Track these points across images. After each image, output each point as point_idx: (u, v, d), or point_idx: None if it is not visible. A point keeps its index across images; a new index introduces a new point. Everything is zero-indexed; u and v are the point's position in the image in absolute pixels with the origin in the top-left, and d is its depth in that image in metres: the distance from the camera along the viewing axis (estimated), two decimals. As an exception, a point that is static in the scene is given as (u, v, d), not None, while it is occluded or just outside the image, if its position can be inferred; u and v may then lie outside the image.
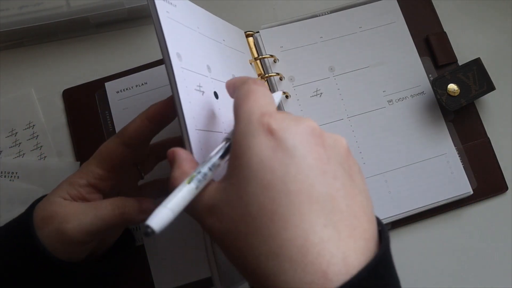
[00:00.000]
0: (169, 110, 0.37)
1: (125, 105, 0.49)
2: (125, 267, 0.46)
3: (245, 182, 0.26)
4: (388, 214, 0.46)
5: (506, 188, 0.49)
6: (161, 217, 0.25)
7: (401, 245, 0.47)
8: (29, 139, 0.50)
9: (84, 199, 0.38)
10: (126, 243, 0.45)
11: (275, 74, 0.49)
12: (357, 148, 0.48)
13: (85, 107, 0.50)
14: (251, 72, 0.48)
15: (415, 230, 0.47)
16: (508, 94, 0.51)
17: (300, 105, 0.49)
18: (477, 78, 0.48)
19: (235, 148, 0.27)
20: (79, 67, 0.52)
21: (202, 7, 0.40)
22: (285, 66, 0.49)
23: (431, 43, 0.51)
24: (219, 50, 0.40)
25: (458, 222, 0.48)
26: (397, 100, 0.49)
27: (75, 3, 0.48)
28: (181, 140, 0.32)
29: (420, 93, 0.49)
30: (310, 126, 0.27)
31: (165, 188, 0.43)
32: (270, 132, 0.26)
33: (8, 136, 0.50)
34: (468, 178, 0.47)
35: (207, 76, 0.36)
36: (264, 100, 0.29)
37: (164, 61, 0.32)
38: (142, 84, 0.50)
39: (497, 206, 0.48)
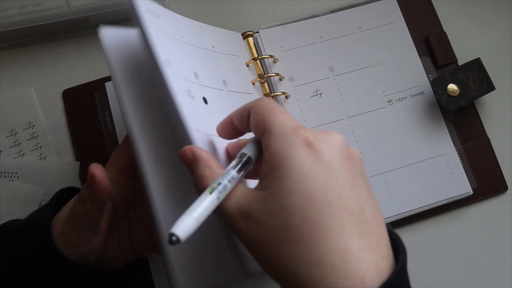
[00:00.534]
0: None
1: None
2: (130, 278, 0.45)
3: (287, 193, 0.27)
4: (388, 214, 0.46)
5: (506, 188, 0.49)
6: (186, 225, 0.26)
7: (401, 245, 0.47)
8: (29, 139, 0.50)
9: None
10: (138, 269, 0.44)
11: (275, 74, 0.49)
12: (357, 148, 0.47)
13: (85, 107, 0.50)
14: (247, 75, 0.48)
15: (415, 230, 0.47)
16: (508, 94, 0.51)
17: (300, 105, 0.49)
18: (477, 78, 0.48)
19: (273, 159, 0.28)
20: (79, 67, 0.51)
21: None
22: (285, 66, 0.49)
23: (431, 43, 0.51)
24: (206, 57, 0.41)
25: (458, 222, 0.48)
26: (397, 100, 0.49)
27: (75, 3, 0.48)
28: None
29: (420, 93, 0.49)
30: (340, 139, 0.29)
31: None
32: (308, 144, 0.28)
33: (8, 136, 0.50)
34: (468, 178, 0.47)
35: (195, 82, 0.36)
36: (288, 114, 0.30)
37: (154, 66, 0.32)
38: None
39: (497, 206, 0.48)
